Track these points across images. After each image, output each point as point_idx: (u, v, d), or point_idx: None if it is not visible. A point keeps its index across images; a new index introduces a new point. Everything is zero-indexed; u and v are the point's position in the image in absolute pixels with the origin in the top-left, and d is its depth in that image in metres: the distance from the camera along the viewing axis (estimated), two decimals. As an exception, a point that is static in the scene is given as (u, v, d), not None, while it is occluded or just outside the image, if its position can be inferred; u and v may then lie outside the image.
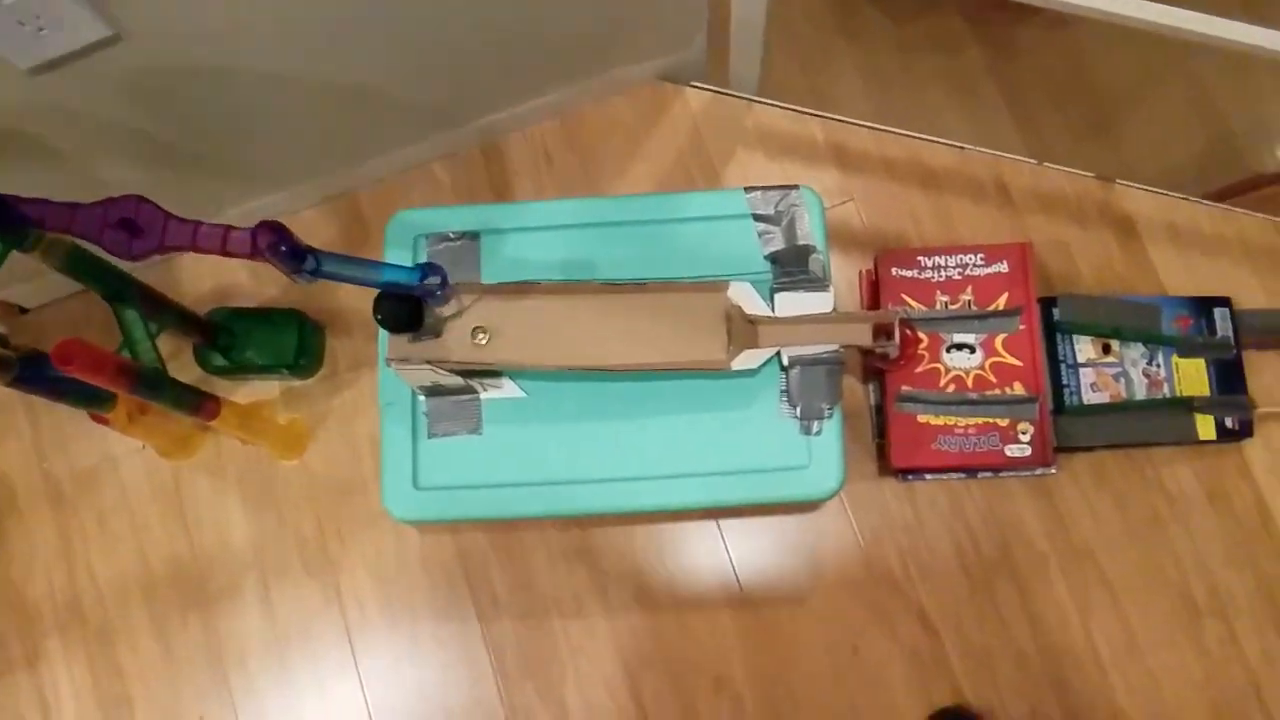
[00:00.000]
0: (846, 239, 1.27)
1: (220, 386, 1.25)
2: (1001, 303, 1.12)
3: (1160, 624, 1.16)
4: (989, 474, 1.17)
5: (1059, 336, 1.16)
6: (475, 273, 1.03)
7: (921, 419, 1.11)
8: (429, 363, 0.93)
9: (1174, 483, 1.19)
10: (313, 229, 1.29)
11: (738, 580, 1.19)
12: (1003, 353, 1.11)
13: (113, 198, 0.82)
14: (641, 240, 1.04)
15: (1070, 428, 1.13)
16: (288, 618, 1.21)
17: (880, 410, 1.17)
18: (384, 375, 1.00)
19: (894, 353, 1.03)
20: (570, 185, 1.29)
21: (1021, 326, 1.11)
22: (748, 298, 0.99)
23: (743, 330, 0.97)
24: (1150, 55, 1.65)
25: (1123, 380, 1.15)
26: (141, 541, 1.24)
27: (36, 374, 0.93)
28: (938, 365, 1.12)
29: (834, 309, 1.00)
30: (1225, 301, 1.17)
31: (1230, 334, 1.16)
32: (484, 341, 0.93)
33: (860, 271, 1.22)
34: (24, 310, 1.30)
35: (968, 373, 1.11)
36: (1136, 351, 1.16)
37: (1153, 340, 1.16)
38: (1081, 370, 1.15)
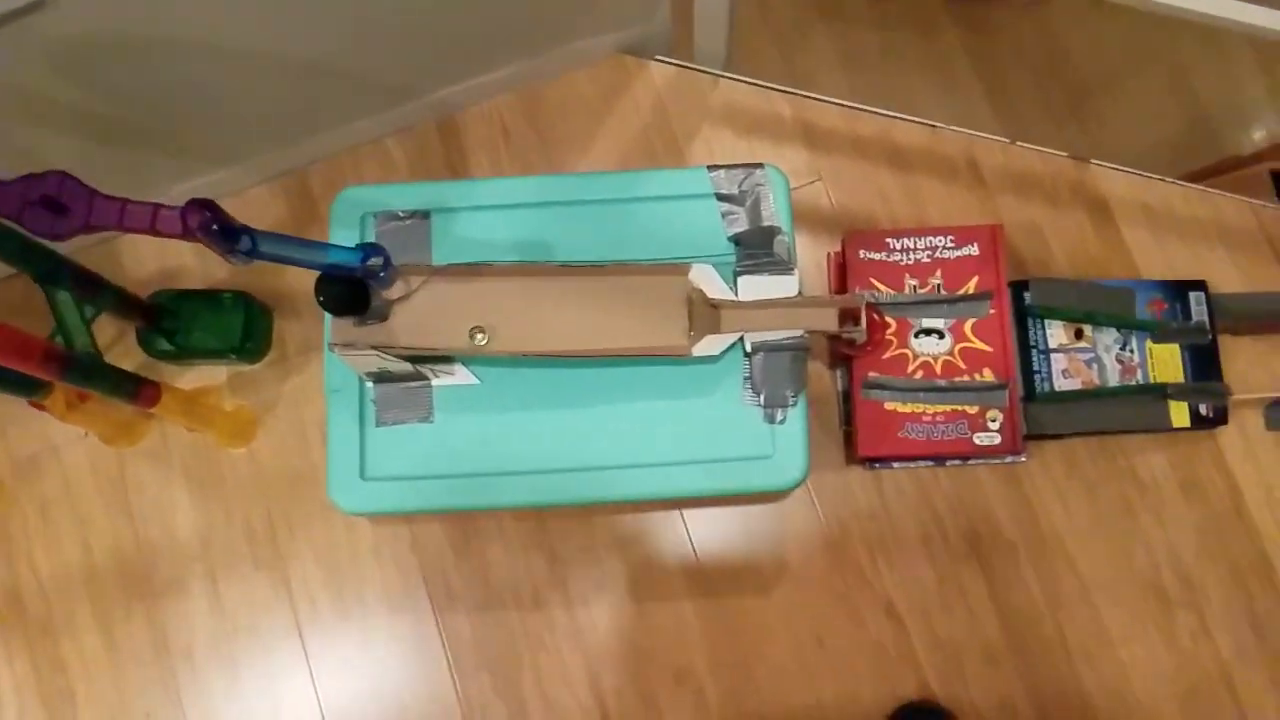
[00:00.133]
0: (815, 219, 1.23)
1: (166, 371, 1.20)
2: (971, 286, 1.09)
3: (1131, 615, 1.14)
4: (957, 462, 1.15)
5: (1030, 321, 1.13)
6: (426, 253, 0.99)
7: (888, 406, 1.08)
8: (375, 348, 0.88)
9: (1146, 471, 1.16)
10: (260, 207, 1.25)
11: (701, 571, 1.15)
12: (972, 338, 1.08)
13: (34, 174, 0.78)
14: (600, 220, 1.00)
15: (1041, 415, 1.10)
16: (236, 611, 1.17)
17: (847, 397, 1.13)
18: (329, 361, 0.96)
19: (861, 338, 1.00)
20: (529, 162, 1.25)
21: (992, 311, 1.08)
22: (710, 281, 0.96)
23: (704, 315, 0.94)
24: (1127, 35, 1.63)
25: (1095, 366, 1.12)
26: (85, 532, 1.19)
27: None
28: (906, 351, 1.08)
29: (800, 293, 0.97)
30: (1201, 285, 1.15)
31: (1205, 319, 1.14)
32: (484, 342, 0.90)
33: (828, 254, 1.19)
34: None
35: (936, 358, 1.08)
36: (1110, 337, 1.13)
37: (1126, 325, 1.13)
38: (1053, 356, 1.12)
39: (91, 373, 0.96)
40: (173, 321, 1.16)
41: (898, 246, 1.11)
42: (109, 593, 1.17)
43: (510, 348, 0.91)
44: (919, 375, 1.08)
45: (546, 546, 1.16)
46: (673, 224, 1.00)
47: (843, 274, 1.14)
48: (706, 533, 1.16)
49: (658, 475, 0.95)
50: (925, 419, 1.07)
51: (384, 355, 0.89)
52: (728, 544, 1.16)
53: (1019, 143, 1.25)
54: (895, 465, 1.15)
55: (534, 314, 0.92)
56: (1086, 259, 1.21)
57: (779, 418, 0.95)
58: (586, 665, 1.14)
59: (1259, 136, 1.66)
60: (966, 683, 1.13)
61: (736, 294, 0.96)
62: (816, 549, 1.16)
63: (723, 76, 1.27)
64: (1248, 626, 1.13)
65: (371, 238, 0.99)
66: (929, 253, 1.10)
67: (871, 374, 1.08)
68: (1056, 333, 1.13)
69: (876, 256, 1.11)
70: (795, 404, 0.95)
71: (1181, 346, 1.14)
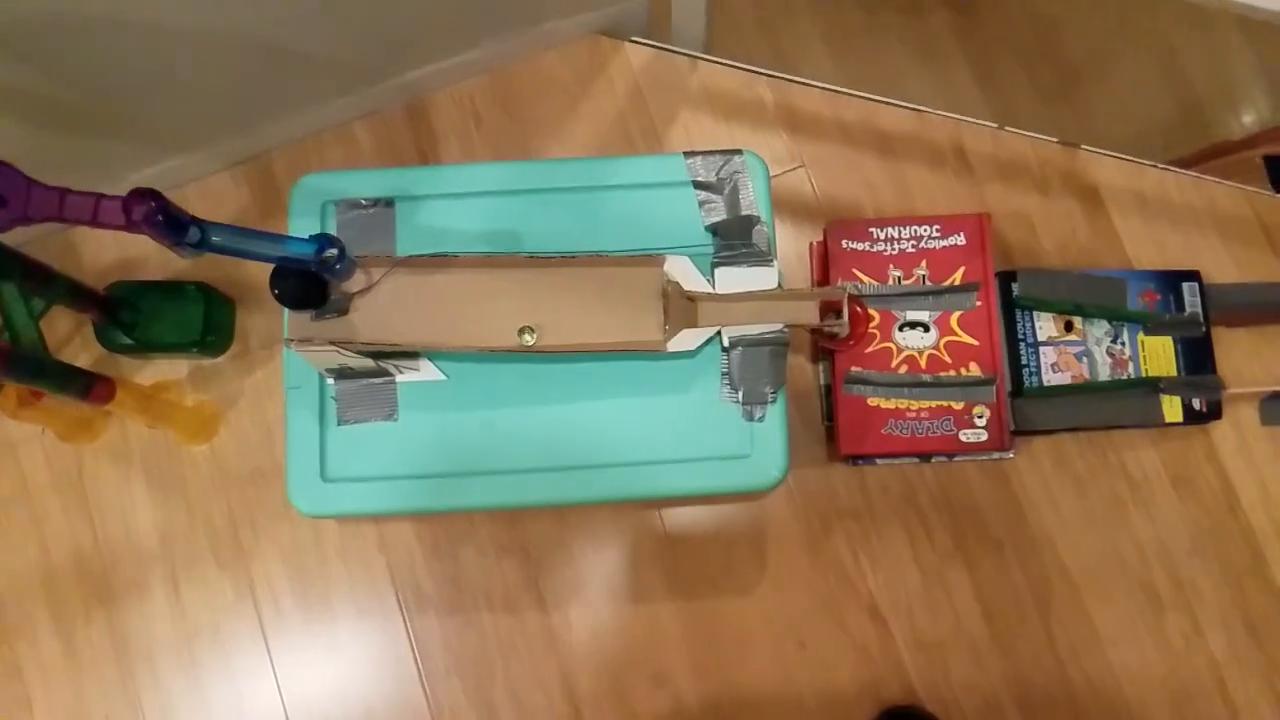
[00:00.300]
0: (797, 207, 1.19)
1: (125, 366, 1.16)
2: (958, 277, 1.05)
3: (1121, 615, 1.11)
4: (943, 458, 1.11)
5: (1018, 313, 1.09)
6: (389, 243, 0.94)
7: (871, 402, 1.04)
8: (333, 344, 0.84)
9: (1137, 467, 1.13)
10: (222, 194, 1.20)
11: (678, 572, 1.12)
12: (958, 331, 1.04)
13: (-36, 163, 0.73)
14: (571, 209, 0.96)
15: (1029, 411, 1.07)
16: (198, 613, 1.13)
17: (829, 391, 1.10)
18: (288, 357, 0.92)
19: (842, 332, 0.96)
20: (502, 147, 1.21)
21: (978, 303, 1.04)
22: (686, 272, 0.92)
23: (680, 308, 0.90)
24: (1117, 16, 1.60)
25: (1086, 360, 1.09)
26: (42, 532, 1.15)
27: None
28: (889, 345, 1.05)
29: (779, 285, 0.93)
30: (1194, 275, 1.12)
31: (1199, 310, 1.10)
32: (531, 341, 0.87)
33: (810, 243, 1.15)
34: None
35: (921, 352, 1.04)
36: (1100, 329, 1.10)
37: (1118, 317, 1.10)
38: (1042, 349, 1.09)
39: (38, 370, 0.92)
40: (131, 314, 1.12)
41: (882, 236, 1.07)
42: (67, 594, 1.13)
43: (477, 343, 0.87)
44: (903, 370, 1.04)
45: (519, 547, 1.12)
46: (647, 213, 0.95)
47: (826, 263, 1.10)
48: (684, 532, 1.13)
49: (631, 475, 0.91)
50: (909, 415, 1.03)
51: (343, 351, 0.85)
52: (706, 544, 1.13)
53: (1008, 128, 1.21)
54: (879, 461, 1.12)
55: (502, 308, 0.88)
56: (1076, 249, 1.18)
57: (758, 415, 0.91)
58: (561, 669, 1.10)
59: (1249, 120, 1.64)
60: (952, 685, 1.10)
61: (714, 286, 0.92)
62: (797, 548, 1.13)
63: (702, 59, 1.23)
64: (1241, 627, 1.10)
65: (332, 227, 0.94)
66: (914, 243, 1.06)
67: (854, 369, 1.04)
68: (1045, 325, 1.10)
69: (860, 246, 1.07)
70: (774, 401, 0.91)
71: (1174, 339, 1.11)
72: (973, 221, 1.06)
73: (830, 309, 0.93)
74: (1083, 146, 1.21)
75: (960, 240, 1.06)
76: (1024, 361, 1.09)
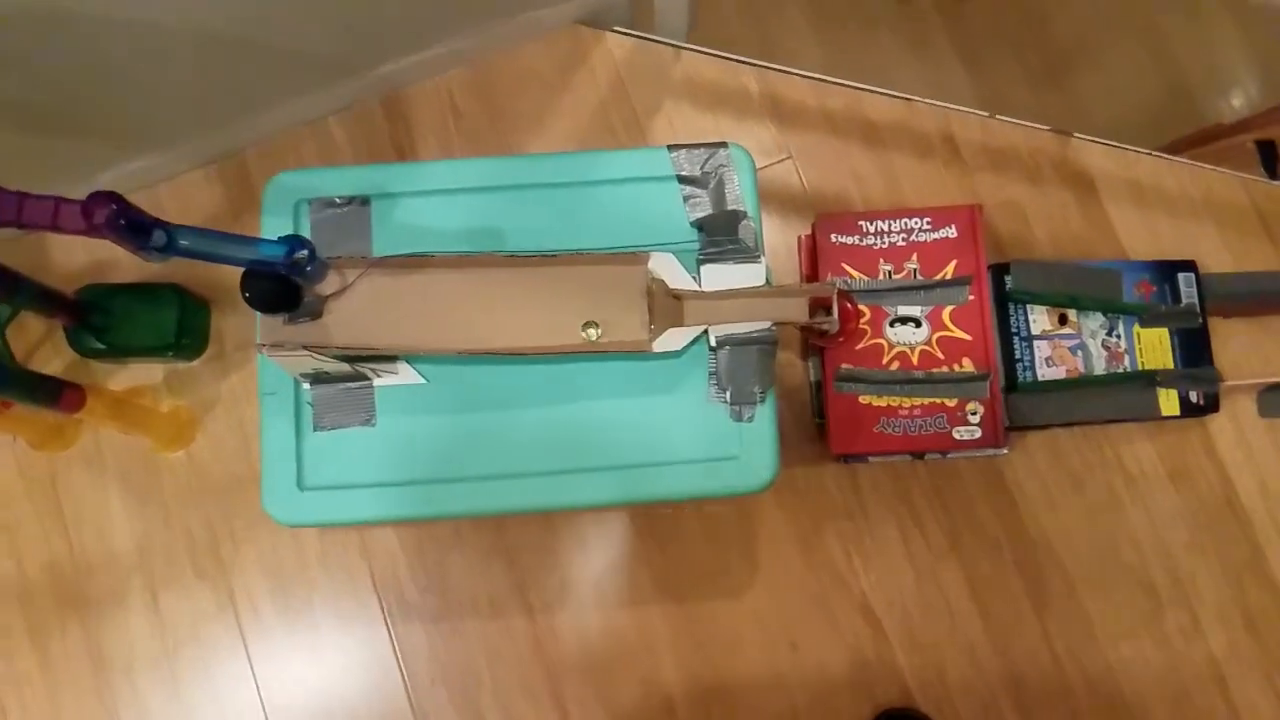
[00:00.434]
0: (784, 200, 1.17)
1: (98, 371, 1.14)
2: (949, 271, 1.02)
3: (1119, 613, 1.09)
4: (937, 455, 1.09)
5: (1012, 307, 1.07)
6: (365, 243, 0.91)
7: (863, 400, 1.02)
8: (307, 348, 0.82)
9: (1134, 462, 1.11)
10: (195, 193, 1.17)
11: (668, 574, 1.10)
12: (951, 326, 1.02)
13: (-82, 165, 0.70)
14: (552, 206, 0.93)
15: (1023, 406, 1.05)
16: (177, 624, 1.10)
17: (820, 388, 1.07)
18: (262, 362, 0.89)
19: (832, 328, 0.93)
20: (481, 141, 1.18)
21: (971, 297, 1.02)
22: (671, 270, 0.89)
23: (666, 307, 0.87)
24: (1106, 2, 1.58)
25: (1080, 353, 1.07)
26: (15, 543, 1.12)
27: None
28: (880, 341, 1.02)
29: (767, 281, 0.90)
30: (1190, 266, 1.09)
31: (1195, 301, 1.08)
32: (596, 337, 0.85)
33: (799, 237, 1.12)
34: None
35: (913, 349, 1.02)
36: (1095, 322, 1.08)
37: (1113, 309, 1.08)
38: (1036, 343, 1.07)
39: (3, 380, 0.89)
40: (103, 318, 1.09)
41: (871, 229, 1.04)
42: (42, 606, 1.11)
43: (456, 345, 0.84)
44: (895, 366, 1.02)
45: (505, 552, 1.10)
46: (631, 209, 0.93)
47: (814, 257, 1.08)
48: (673, 533, 1.11)
49: (618, 479, 0.89)
50: (902, 413, 1.01)
51: (317, 356, 0.82)
52: (696, 545, 1.11)
53: (998, 116, 1.19)
54: (871, 459, 1.09)
55: (482, 309, 0.86)
56: (1070, 239, 1.16)
57: (746, 416, 0.89)
58: (549, 676, 1.08)
59: (1239, 104, 1.62)
60: (948, 686, 1.08)
61: (700, 284, 0.90)
62: (789, 548, 1.11)
63: (685, 48, 1.21)
64: (1240, 623, 1.09)
65: (306, 227, 0.91)
66: (904, 236, 1.04)
67: (844, 366, 1.02)
68: (1039, 318, 1.07)
69: (849, 240, 1.04)
70: (764, 401, 0.88)
71: (1171, 331, 1.09)
72: (964, 213, 1.04)
73: (820, 305, 0.91)
74: (1075, 134, 1.19)
75: (951, 233, 1.03)
76: (1018, 356, 1.07)
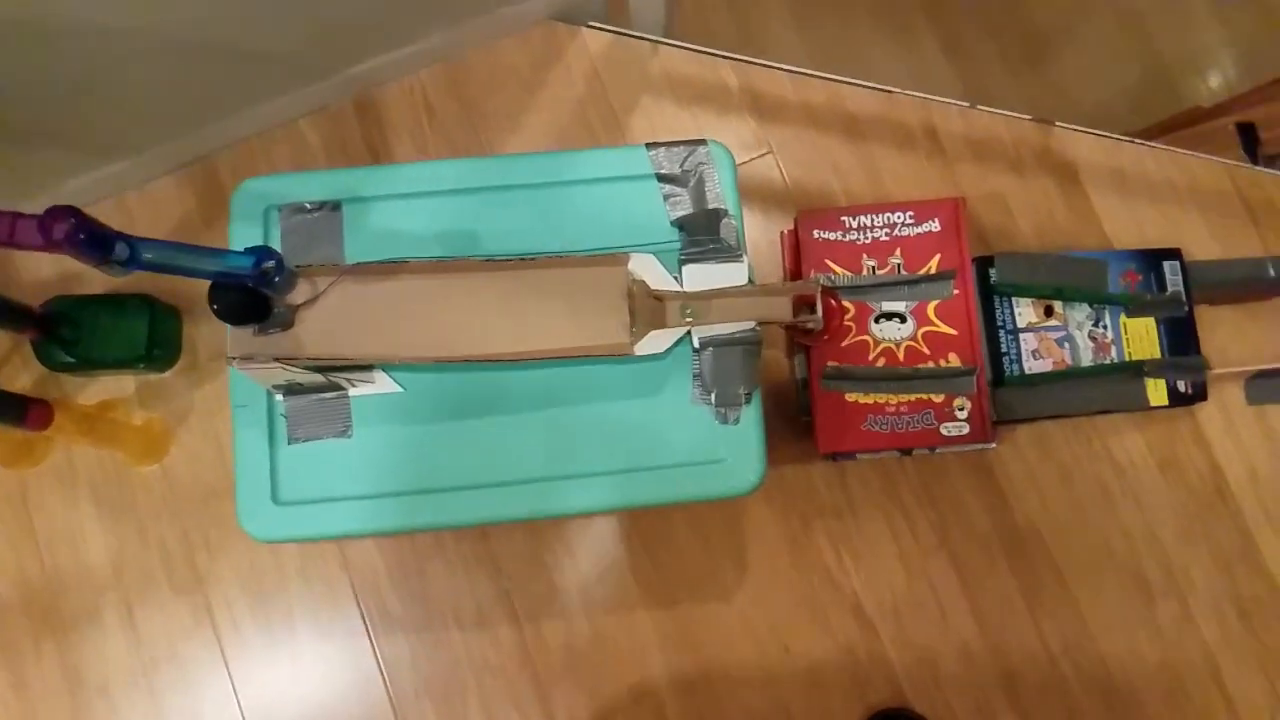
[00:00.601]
0: (766, 195, 1.15)
1: (69, 385, 1.11)
2: (933, 265, 1.01)
3: (1112, 606, 1.08)
4: (925, 450, 1.08)
5: (997, 300, 1.06)
6: (337, 249, 0.89)
7: (849, 398, 1.00)
8: (278, 360, 0.79)
9: (1123, 453, 1.10)
10: (163, 201, 1.15)
11: (656, 579, 1.08)
12: (936, 321, 1.00)
13: None
14: (529, 207, 0.91)
15: (1011, 400, 1.04)
16: (154, 641, 1.08)
17: (806, 385, 1.06)
18: (234, 374, 0.86)
19: (817, 326, 0.92)
20: (456, 141, 1.16)
21: (956, 291, 1.01)
22: (652, 271, 0.87)
23: (647, 309, 0.85)
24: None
25: (1067, 345, 1.06)
26: (-14, 561, 1.10)
27: None
28: (866, 337, 1.01)
29: (750, 280, 0.88)
30: (1175, 254, 1.08)
31: (1181, 289, 1.07)
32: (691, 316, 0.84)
33: (781, 233, 1.11)
34: None
35: (899, 344, 1.01)
36: (1082, 313, 1.06)
37: (1099, 300, 1.06)
38: (1022, 336, 1.05)
39: (-35, 396, 0.86)
40: (72, 331, 1.07)
41: (854, 225, 1.03)
42: (15, 626, 1.09)
43: (432, 353, 0.82)
44: (881, 363, 1.00)
45: (489, 560, 1.08)
46: (610, 209, 0.91)
47: (797, 253, 1.06)
48: (661, 537, 1.09)
49: (602, 486, 0.87)
50: (889, 410, 1.00)
51: (289, 367, 0.80)
52: (684, 548, 1.09)
53: (979, 106, 1.17)
54: (859, 456, 1.08)
55: (459, 315, 0.83)
56: (1054, 229, 1.14)
57: (732, 418, 0.87)
58: (536, 686, 1.07)
59: (1217, 85, 1.61)
60: (942, 685, 1.07)
61: (682, 284, 0.88)
62: (778, 549, 1.09)
63: (662, 43, 1.19)
64: (1233, 613, 1.08)
65: (276, 234, 0.89)
66: (887, 230, 1.02)
67: (830, 363, 1.00)
68: (1025, 311, 1.06)
69: (831, 236, 1.03)
70: (749, 402, 0.87)
71: (1157, 320, 1.07)
72: (947, 206, 1.02)
73: (804, 303, 0.89)
74: (1057, 123, 1.17)
75: (935, 226, 1.02)
76: (1004, 349, 1.05)
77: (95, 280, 1.12)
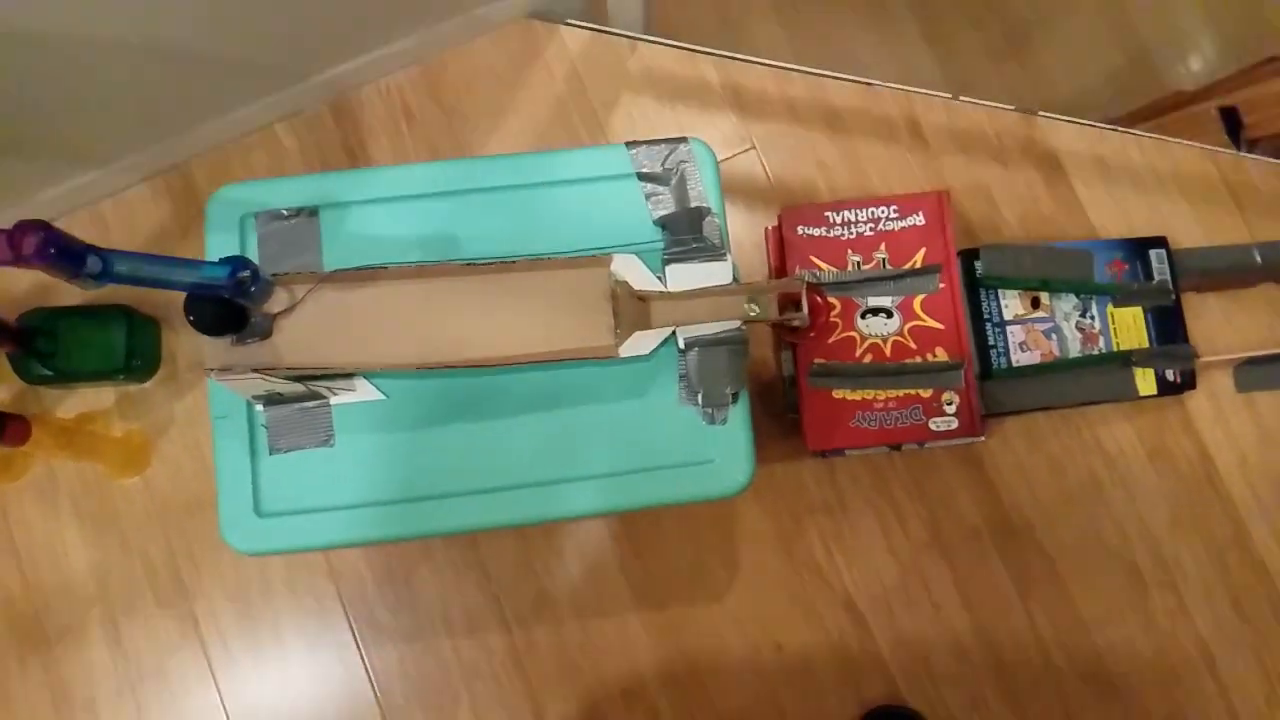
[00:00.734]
0: (750, 191, 1.14)
1: (48, 398, 1.10)
2: (919, 259, 1.00)
3: (1105, 597, 1.08)
4: (914, 445, 1.07)
5: (983, 293, 1.05)
6: (315, 256, 0.88)
7: (837, 395, 0.99)
8: (257, 370, 0.78)
9: (1113, 443, 1.10)
10: (139, 210, 1.13)
11: (646, 580, 1.07)
12: (922, 315, 1.00)
13: None
14: (509, 209, 0.89)
15: (999, 393, 1.03)
16: (140, 656, 1.07)
17: (793, 383, 1.05)
18: (213, 385, 0.85)
19: (803, 323, 0.91)
20: (435, 143, 1.14)
21: (941, 285, 1.00)
22: (635, 271, 0.86)
23: (631, 309, 0.84)
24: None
25: (1055, 336, 1.05)
26: (-33, 578, 1.08)
27: None
28: (853, 333, 1.00)
29: (735, 278, 0.87)
30: (1161, 242, 1.08)
31: (1168, 277, 1.07)
32: (755, 313, 0.84)
33: (765, 229, 1.10)
34: None
35: (885, 340, 1.00)
36: (1069, 304, 1.06)
37: (1086, 290, 1.06)
38: (1009, 328, 1.05)
39: (-62, 414, 0.85)
40: (49, 343, 1.05)
41: (838, 220, 1.02)
42: (-1, 643, 1.07)
43: (413, 360, 0.81)
44: (868, 358, 0.99)
45: (478, 565, 1.07)
46: (591, 209, 0.89)
47: (782, 250, 1.05)
48: (650, 539, 1.08)
49: (588, 490, 0.85)
50: (877, 406, 0.99)
51: (268, 377, 0.79)
52: (674, 549, 1.08)
53: (962, 98, 1.17)
54: (848, 452, 1.07)
55: (440, 320, 0.82)
56: (1040, 220, 1.14)
57: (719, 418, 0.86)
58: (528, 691, 1.06)
59: (1198, 69, 1.61)
60: (935, 681, 1.06)
61: (666, 284, 0.87)
62: (769, 548, 1.08)
63: (641, 39, 1.17)
64: (1227, 602, 1.07)
65: (253, 242, 0.88)
66: (872, 225, 1.01)
67: (818, 360, 1.00)
68: (1012, 303, 1.06)
69: (816, 232, 1.02)
70: (736, 402, 0.86)
71: (1144, 309, 1.07)
72: (931, 200, 1.01)
73: (789, 301, 0.88)
74: (1040, 113, 1.17)
75: (919, 220, 1.01)
76: (991, 342, 1.05)
77: (72, 292, 1.10)
